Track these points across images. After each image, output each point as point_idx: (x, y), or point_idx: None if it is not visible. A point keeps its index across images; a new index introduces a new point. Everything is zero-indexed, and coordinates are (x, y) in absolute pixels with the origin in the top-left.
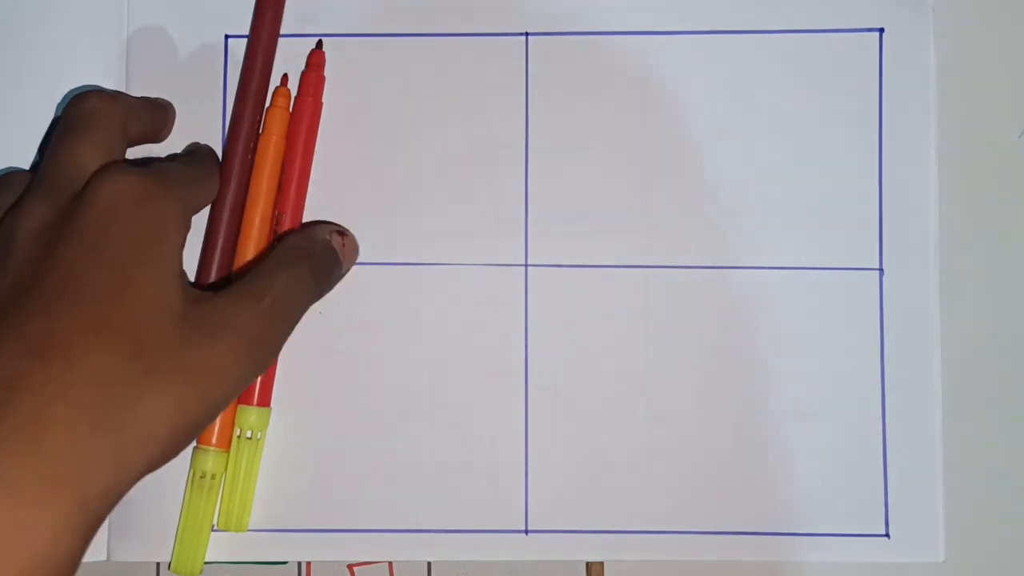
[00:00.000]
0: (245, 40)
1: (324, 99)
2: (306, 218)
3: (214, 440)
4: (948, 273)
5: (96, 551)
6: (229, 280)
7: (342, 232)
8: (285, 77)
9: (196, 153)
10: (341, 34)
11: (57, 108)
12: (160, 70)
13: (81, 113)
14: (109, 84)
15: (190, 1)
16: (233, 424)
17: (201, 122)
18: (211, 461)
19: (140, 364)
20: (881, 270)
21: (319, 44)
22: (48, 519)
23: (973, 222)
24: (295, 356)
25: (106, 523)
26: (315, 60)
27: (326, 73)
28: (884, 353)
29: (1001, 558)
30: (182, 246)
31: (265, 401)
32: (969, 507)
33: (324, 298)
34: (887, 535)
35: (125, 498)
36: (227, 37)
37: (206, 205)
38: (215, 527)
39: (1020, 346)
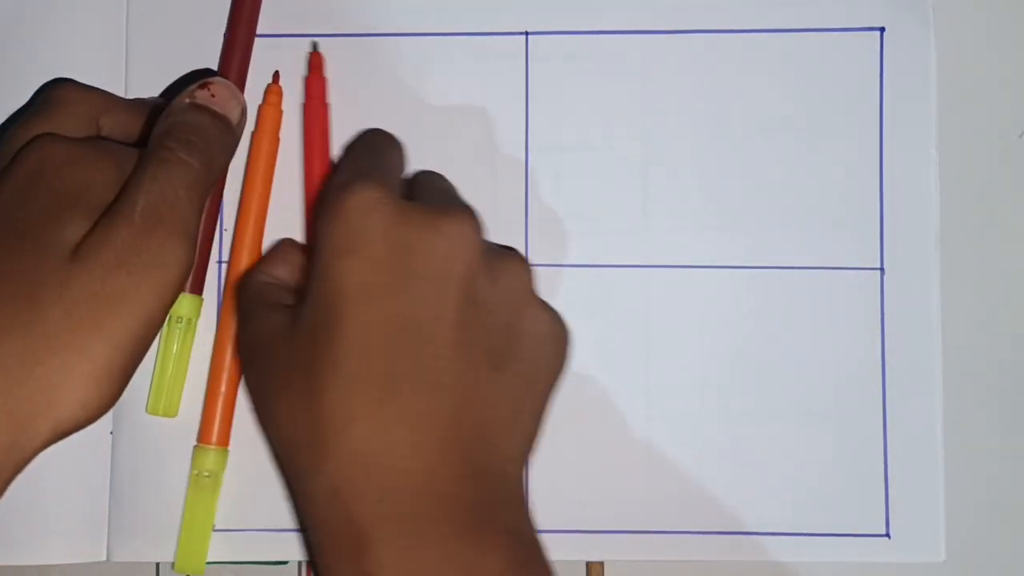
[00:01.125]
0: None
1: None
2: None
3: (214, 439)
4: (949, 272)
5: (96, 551)
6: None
7: (203, 84)
8: (276, 74)
9: None
10: (341, 34)
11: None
12: (159, 70)
13: (46, 99)
14: (109, 84)
15: (189, 1)
16: (231, 422)
17: None
18: (211, 459)
19: (29, 313)
20: (882, 270)
21: (314, 46)
22: None
23: (974, 221)
24: None
25: (106, 523)
26: (315, 63)
27: (327, 73)
28: (885, 353)
29: (1002, 558)
30: (101, 195)
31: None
32: (970, 507)
33: None
34: (888, 535)
35: (125, 498)
36: (225, 36)
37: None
38: (213, 527)
39: (1020, 346)
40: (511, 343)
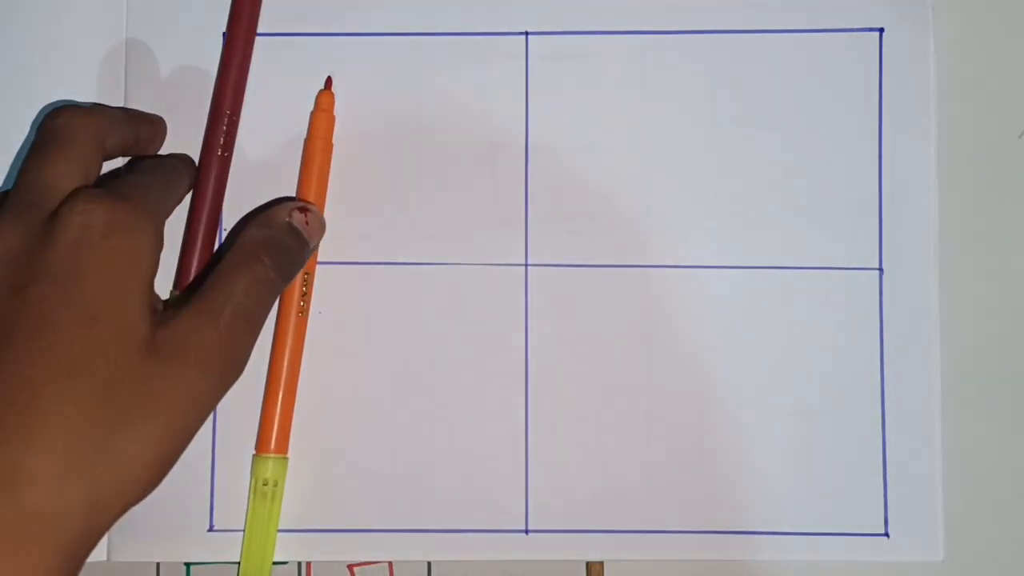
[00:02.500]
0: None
1: None
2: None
3: (272, 446)
4: (948, 273)
5: (96, 551)
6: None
7: (304, 208)
8: (329, 80)
9: (164, 157)
10: (340, 33)
11: (34, 123)
12: (159, 69)
13: (54, 129)
14: (108, 84)
15: (189, 1)
16: (289, 429)
17: (200, 121)
18: (271, 467)
19: (110, 405)
20: (881, 270)
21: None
22: (24, 569)
23: (973, 222)
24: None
25: None
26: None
27: (325, 73)
28: (884, 353)
29: (1000, 557)
30: (154, 269)
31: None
32: (968, 506)
33: (324, 298)
34: (886, 534)
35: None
36: (224, 35)
37: (179, 203)
38: (213, 527)
39: (1020, 346)
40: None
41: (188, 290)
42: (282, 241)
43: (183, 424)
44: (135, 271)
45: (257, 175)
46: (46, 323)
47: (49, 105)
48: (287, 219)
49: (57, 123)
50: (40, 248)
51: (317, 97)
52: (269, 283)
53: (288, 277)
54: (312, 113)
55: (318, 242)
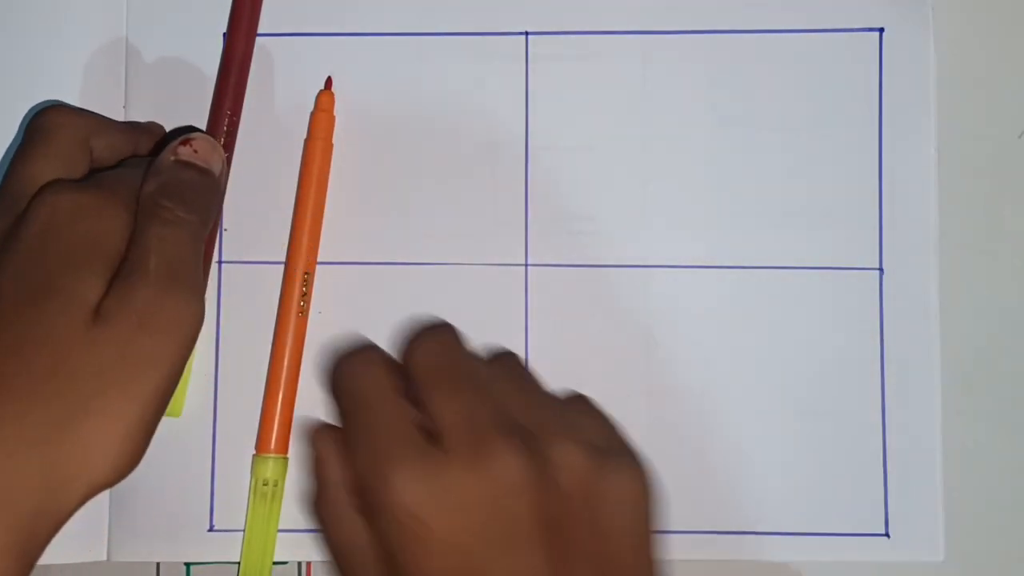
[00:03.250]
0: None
1: None
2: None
3: (272, 446)
4: (948, 273)
5: (96, 551)
6: None
7: (186, 140)
8: (329, 80)
9: (143, 160)
10: (340, 33)
11: (22, 122)
12: (159, 70)
13: (37, 127)
14: (109, 84)
15: (188, 1)
16: (290, 429)
17: (200, 120)
18: (271, 467)
19: (62, 377)
20: (881, 270)
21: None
22: None
23: (973, 222)
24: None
25: (106, 523)
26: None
27: (325, 73)
28: (884, 353)
29: (1000, 557)
30: (119, 250)
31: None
32: (968, 506)
33: (324, 298)
34: (887, 534)
35: (126, 499)
36: (224, 35)
37: None
38: (213, 527)
39: (1019, 346)
40: (592, 533)
41: None
42: (178, 179)
43: (143, 390)
44: (96, 250)
45: (256, 175)
46: (4, 301)
47: (38, 105)
48: (172, 158)
49: (40, 121)
50: (11, 236)
51: (317, 97)
52: (182, 224)
53: (201, 211)
54: (312, 113)
55: (220, 167)
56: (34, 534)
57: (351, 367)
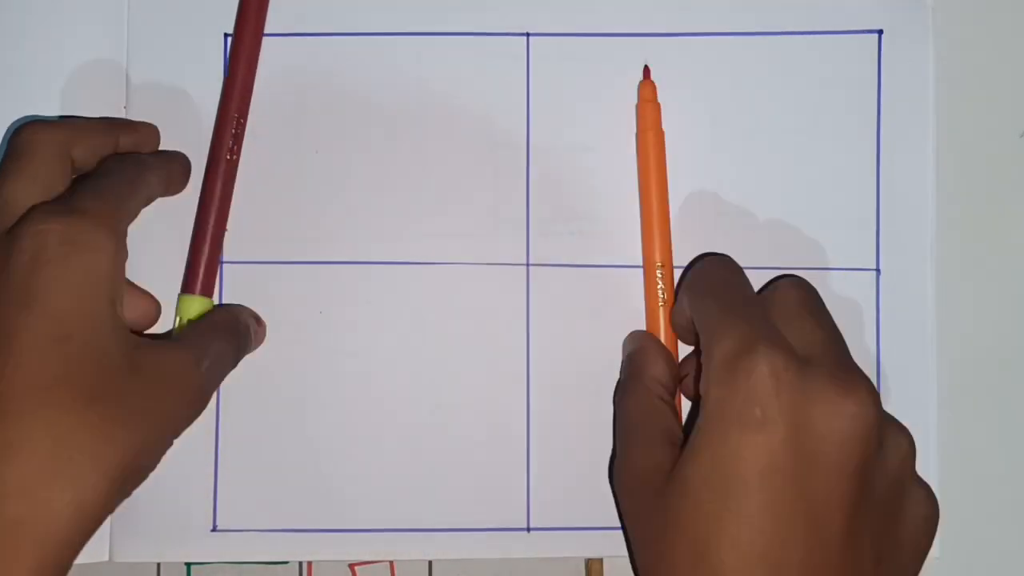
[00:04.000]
0: None
1: (322, 99)
2: (322, 220)
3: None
4: (945, 274)
5: (98, 552)
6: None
7: (258, 320)
8: (647, 70)
9: (122, 157)
10: (341, 33)
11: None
12: (160, 68)
13: (13, 147)
14: (109, 83)
15: (190, 2)
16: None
17: (201, 121)
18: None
19: (94, 414)
20: (878, 271)
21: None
22: None
23: (971, 223)
24: (295, 356)
25: (108, 524)
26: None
27: (325, 73)
28: (880, 353)
29: (996, 555)
30: (117, 279)
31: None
32: (965, 505)
33: (325, 297)
34: None
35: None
36: (226, 36)
37: (149, 203)
38: (216, 527)
39: (1016, 346)
40: (892, 528)
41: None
42: (242, 335)
43: (155, 440)
44: (97, 287)
45: (257, 175)
46: (14, 340)
47: (17, 121)
48: (248, 321)
49: (16, 140)
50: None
51: (640, 88)
52: (229, 359)
53: (235, 362)
54: (638, 105)
55: (255, 347)
56: (62, 561)
57: (717, 260)
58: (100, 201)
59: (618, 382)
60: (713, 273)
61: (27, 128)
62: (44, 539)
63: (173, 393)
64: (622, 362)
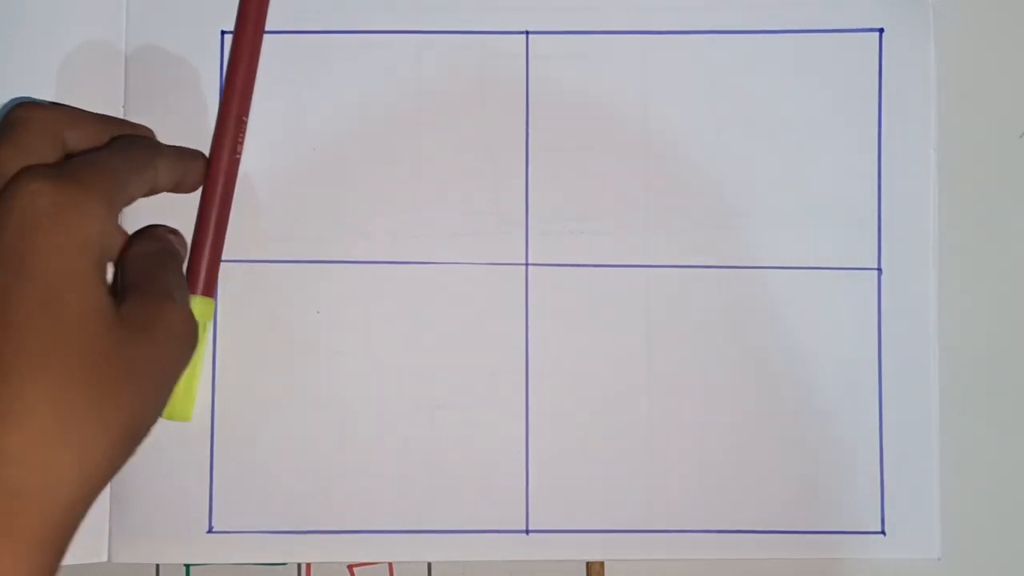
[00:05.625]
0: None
1: (322, 98)
2: (320, 219)
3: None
4: (946, 273)
5: (97, 552)
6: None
7: (173, 232)
8: None
9: (131, 138)
10: (341, 31)
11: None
12: (158, 66)
13: (7, 120)
14: (107, 81)
15: (189, 1)
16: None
17: (198, 117)
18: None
19: (92, 378)
20: (880, 270)
21: None
22: (9, 547)
23: (972, 222)
24: (295, 355)
25: (107, 525)
26: None
27: (324, 72)
28: (882, 352)
29: (997, 555)
30: (106, 245)
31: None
32: (965, 504)
33: (323, 297)
34: (883, 532)
35: (126, 500)
36: (223, 33)
37: (144, 192)
38: (212, 528)
39: (1017, 346)
40: None
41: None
42: (176, 250)
43: (154, 393)
44: (87, 250)
45: (255, 174)
46: (7, 309)
47: (12, 101)
48: (168, 236)
49: (10, 115)
50: None
51: None
52: (184, 277)
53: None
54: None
55: (186, 253)
56: (68, 525)
57: None
58: (92, 170)
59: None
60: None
61: (22, 105)
62: (48, 505)
63: (166, 345)
64: None
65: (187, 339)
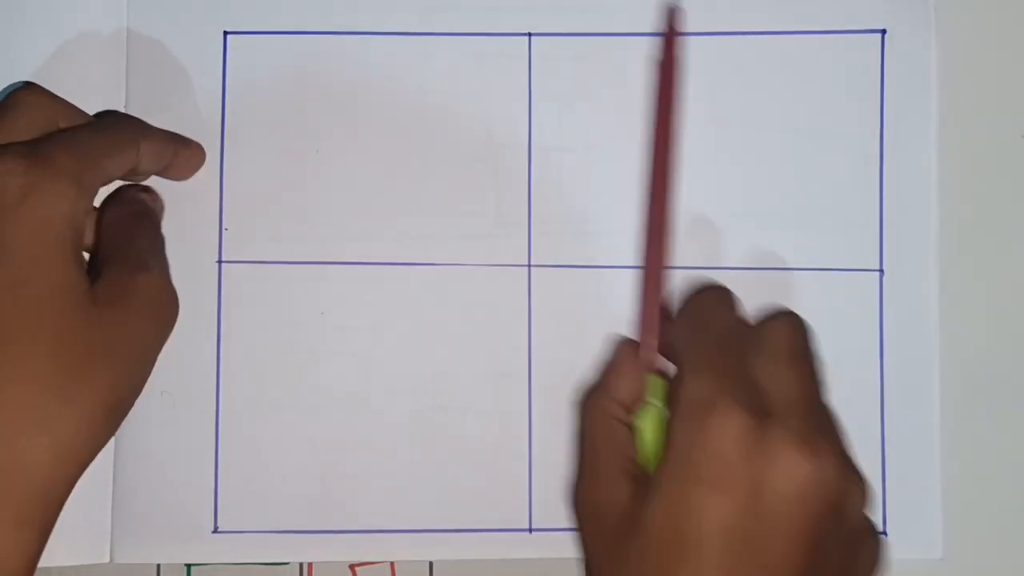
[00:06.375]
0: (244, 37)
1: (323, 98)
2: (323, 220)
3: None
4: (948, 274)
5: (99, 553)
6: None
7: (146, 189)
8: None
9: (116, 115)
10: (344, 32)
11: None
12: (159, 66)
13: (4, 104)
14: (109, 81)
15: (190, 2)
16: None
17: (200, 117)
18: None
19: (63, 356)
20: (881, 271)
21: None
22: None
23: (974, 223)
24: (298, 356)
25: (109, 525)
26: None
27: (326, 72)
28: (884, 353)
29: (998, 555)
30: (77, 227)
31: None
32: (967, 505)
33: (326, 298)
34: (885, 532)
35: (128, 500)
36: (226, 33)
37: (121, 174)
38: (217, 528)
39: (1019, 347)
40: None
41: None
42: (151, 210)
43: (134, 368)
44: (56, 230)
45: (256, 175)
46: None
47: (15, 84)
48: (140, 196)
49: (9, 99)
50: None
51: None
52: (160, 239)
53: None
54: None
55: (162, 215)
56: (49, 504)
57: (714, 293)
58: (65, 149)
59: (585, 385)
60: (702, 308)
61: (23, 89)
62: (24, 486)
63: (142, 316)
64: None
65: (163, 308)
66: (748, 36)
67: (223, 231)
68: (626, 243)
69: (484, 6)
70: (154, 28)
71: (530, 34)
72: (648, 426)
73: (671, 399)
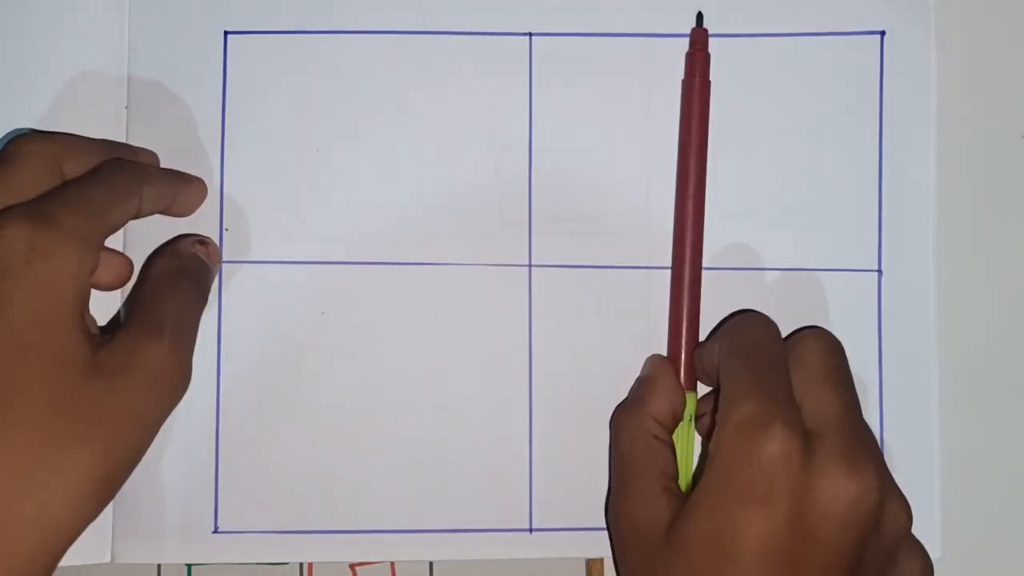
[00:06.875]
0: (244, 36)
1: (323, 98)
2: (324, 220)
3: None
4: (947, 275)
5: (100, 553)
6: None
7: (202, 241)
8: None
9: (118, 164)
10: (344, 31)
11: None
12: (160, 67)
13: (3, 155)
14: (109, 82)
15: (190, 2)
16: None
17: (201, 118)
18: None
19: (56, 426)
20: (880, 271)
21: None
22: None
23: (972, 224)
24: (297, 356)
25: (110, 525)
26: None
27: (326, 72)
28: (882, 354)
29: (998, 555)
30: (81, 290)
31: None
32: (966, 505)
33: (327, 298)
34: None
35: (130, 500)
36: (226, 34)
37: (127, 221)
38: (217, 528)
39: (1018, 347)
40: None
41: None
42: (194, 268)
43: (131, 440)
44: (60, 296)
45: (256, 174)
46: None
47: (15, 132)
48: (192, 250)
49: (6, 149)
50: None
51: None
52: (194, 303)
53: (204, 298)
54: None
55: (217, 271)
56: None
57: (758, 318)
58: (71, 210)
59: (622, 401)
60: (749, 333)
61: (20, 139)
62: (9, 557)
63: (145, 387)
64: (636, 380)
65: (167, 381)
66: (748, 38)
67: (223, 231)
68: (626, 243)
69: (484, 6)
70: (154, 28)
71: (530, 34)
72: (681, 444)
73: (718, 418)
